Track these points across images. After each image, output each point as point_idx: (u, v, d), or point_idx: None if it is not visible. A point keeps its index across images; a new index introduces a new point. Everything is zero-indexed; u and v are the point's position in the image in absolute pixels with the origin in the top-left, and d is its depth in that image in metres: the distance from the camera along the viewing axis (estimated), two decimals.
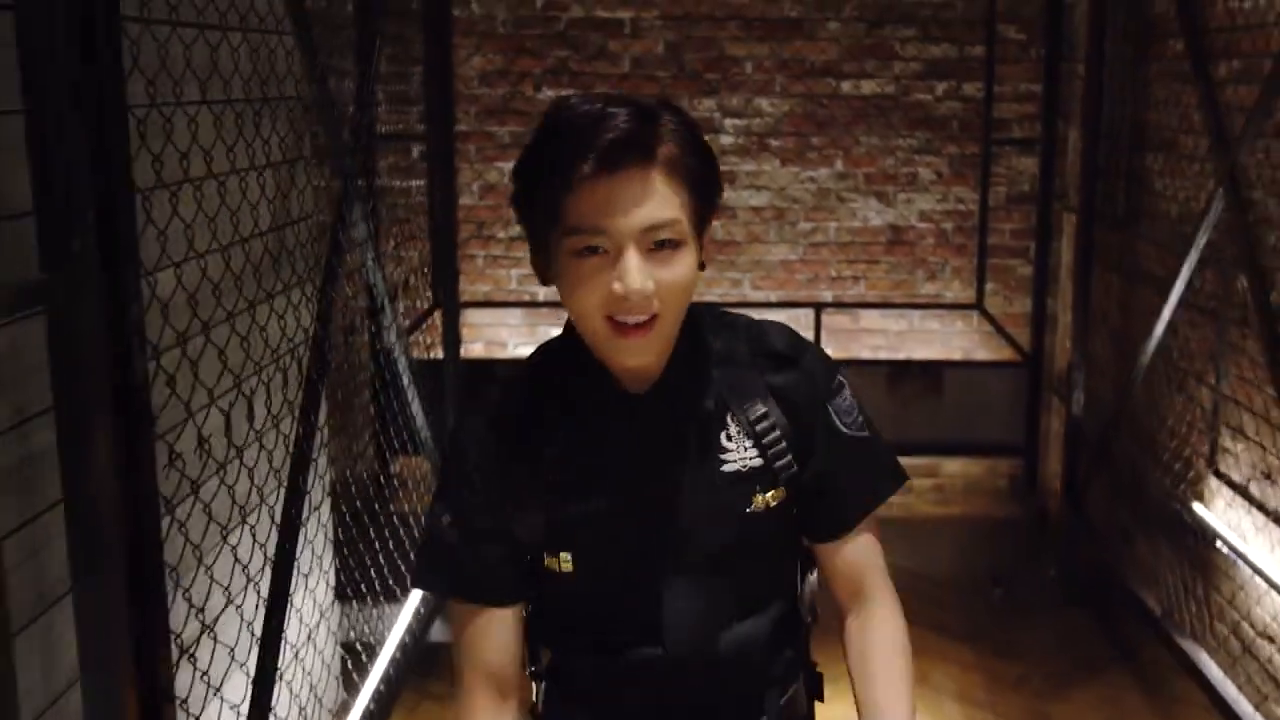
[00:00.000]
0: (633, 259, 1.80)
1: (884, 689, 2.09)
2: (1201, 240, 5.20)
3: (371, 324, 5.98)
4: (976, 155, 7.77)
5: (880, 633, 2.13)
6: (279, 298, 3.79)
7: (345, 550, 5.04)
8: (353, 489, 5.33)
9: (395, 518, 5.47)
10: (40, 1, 2.16)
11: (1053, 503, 6.91)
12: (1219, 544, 5.24)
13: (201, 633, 3.03)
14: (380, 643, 5.04)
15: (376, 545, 5.20)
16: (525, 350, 7.47)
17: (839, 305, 7.78)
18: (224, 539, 3.19)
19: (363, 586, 5.11)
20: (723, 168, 2.08)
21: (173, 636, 2.59)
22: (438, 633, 5.48)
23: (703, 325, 2.05)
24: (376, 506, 5.35)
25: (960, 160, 7.78)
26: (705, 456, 2.01)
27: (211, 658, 3.11)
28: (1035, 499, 7.39)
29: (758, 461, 2.02)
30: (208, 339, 2.97)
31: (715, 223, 2.00)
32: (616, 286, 1.80)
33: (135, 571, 2.43)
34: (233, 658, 3.24)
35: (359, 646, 4.98)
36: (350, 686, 4.74)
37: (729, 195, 7.30)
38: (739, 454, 2.02)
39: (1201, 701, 5.13)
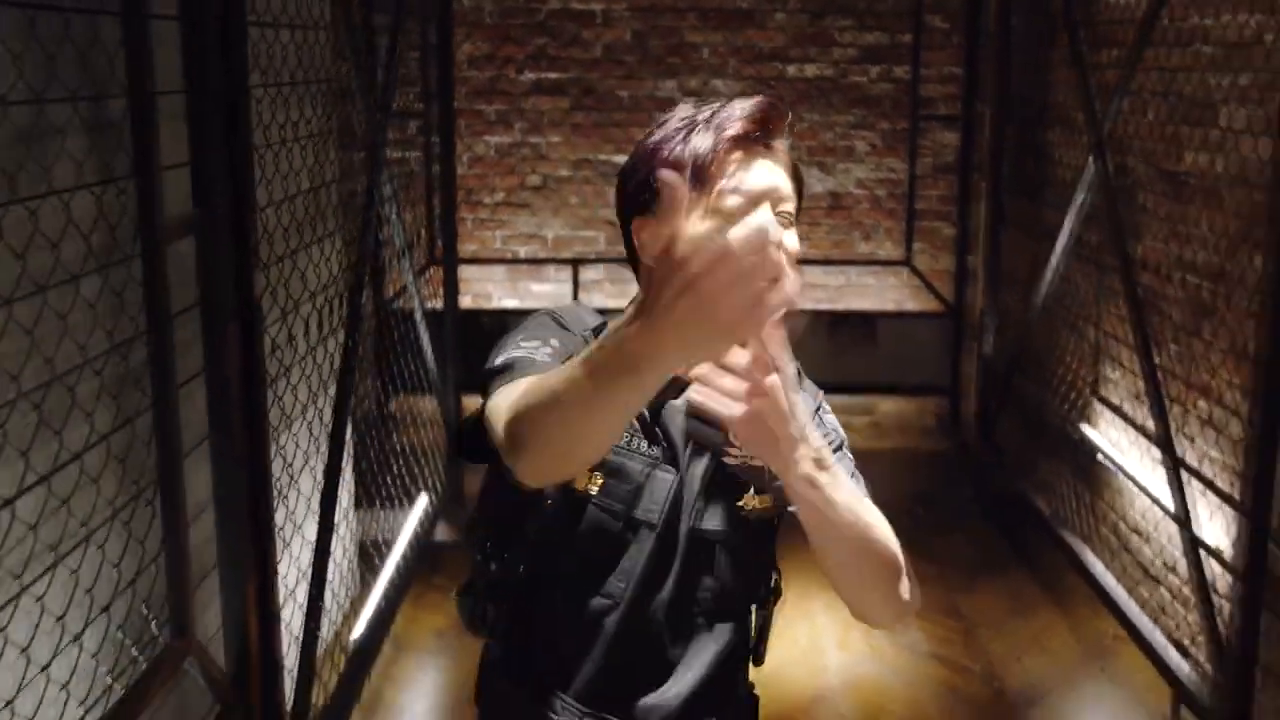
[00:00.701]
0: (770, 213, 1.93)
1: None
2: (1079, 199, 6.13)
3: (374, 281, 6.82)
4: (905, 130, 8.62)
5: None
6: (330, 239, 4.72)
7: (358, 469, 5.91)
8: (361, 421, 6.22)
9: (397, 447, 6.36)
10: (197, 17, 3.07)
11: (971, 436, 7.81)
12: (1100, 457, 6.18)
13: (290, 483, 3.96)
14: (391, 543, 5.95)
15: (383, 464, 6.10)
16: (510, 302, 8.46)
17: None
18: (303, 414, 4.12)
19: (376, 498, 6.00)
20: None
21: (272, 480, 3.50)
22: (441, 533, 6.40)
23: None
24: (376, 439, 6.22)
25: (891, 135, 8.65)
26: (719, 449, 2.08)
27: (295, 502, 4.05)
28: (958, 433, 8.28)
29: (757, 463, 2.01)
30: (294, 263, 3.90)
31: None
32: None
33: (249, 426, 3.35)
34: (309, 507, 4.17)
35: (374, 547, 5.87)
36: (366, 581, 5.64)
37: None
38: (741, 453, 2.04)
39: (1086, 591, 6.02)
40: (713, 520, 2.09)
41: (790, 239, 1.95)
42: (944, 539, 6.83)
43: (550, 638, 2.14)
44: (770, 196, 1.94)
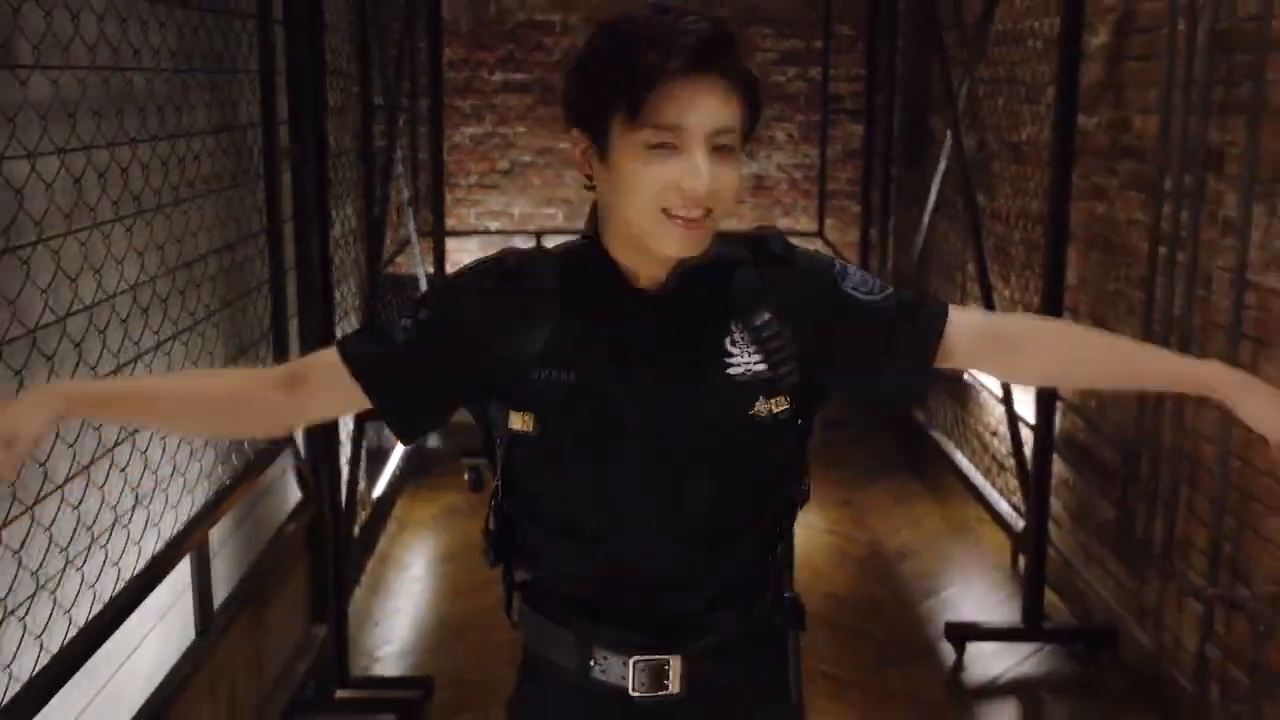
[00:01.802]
0: (705, 157, 1.85)
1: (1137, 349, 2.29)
2: (941, 166, 7.62)
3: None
4: (818, 122, 9.90)
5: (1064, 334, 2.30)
6: (349, 196, 6.18)
7: None
8: None
9: None
10: (296, 21, 4.51)
11: None
12: (965, 377, 7.63)
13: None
14: (390, 449, 7.36)
15: None
16: None
17: None
18: (352, 301, 5.60)
19: None
20: None
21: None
22: (433, 441, 7.79)
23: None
24: None
25: (806, 126, 9.96)
26: (710, 357, 2.00)
27: None
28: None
29: (762, 368, 2.00)
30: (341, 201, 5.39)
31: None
32: (689, 183, 1.84)
33: (325, 302, 4.79)
34: None
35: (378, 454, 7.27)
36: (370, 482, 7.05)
37: None
38: (744, 359, 2.00)
39: (957, 486, 7.43)
40: (709, 437, 2.01)
41: (731, 173, 1.90)
42: (849, 453, 8.14)
43: (554, 579, 2.13)
44: (705, 131, 1.86)
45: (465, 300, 2.06)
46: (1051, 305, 5.43)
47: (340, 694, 5.03)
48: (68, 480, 3.18)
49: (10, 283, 3.00)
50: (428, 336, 2.03)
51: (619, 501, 2.01)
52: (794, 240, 2.16)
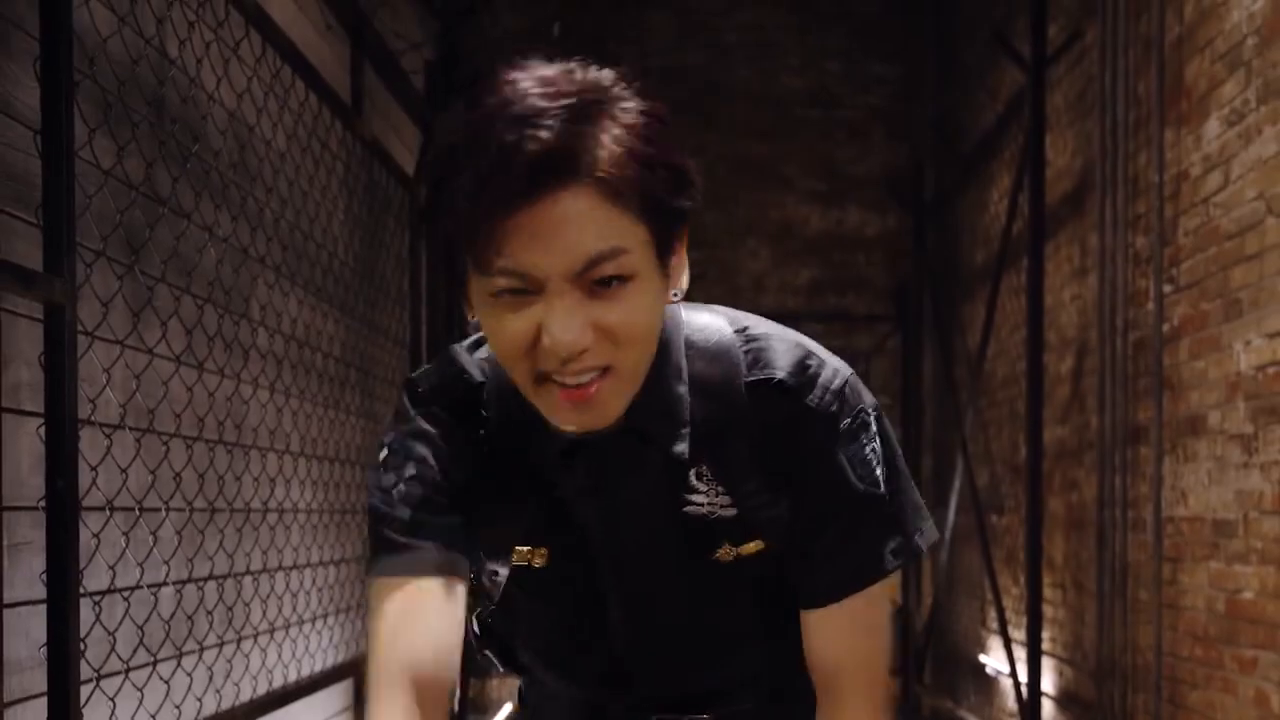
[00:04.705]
0: (562, 304, 1.35)
1: None
2: (955, 489, 8.93)
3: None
4: None
5: None
6: None
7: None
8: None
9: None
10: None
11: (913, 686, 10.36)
12: (988, 669, 8.75)
13: None
14: None
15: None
16: None
17: None
18: None
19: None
20: None
21: None
22: None
23: (681, 348, 1.58)
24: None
25: None
26: (669, 494, 1.60)
27: None
28: (909, 695, 10.75)
29: (730, 511, 1.60)
30: None
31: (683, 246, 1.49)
32: (545, 339, 1.36)
33: None
34: None
35: None
36: None
37: None
38: (709, 498, 1.60)
39: None
40: (673, 582, 1.66)
41: (623, 312, 1.38)
42: None
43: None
44: (564, 271, 1.35)
45: (442, 424, 1.64)
46: (1033, 588, 6.64)
47: None
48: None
49: (237, 468, 4.43)
50: (431, 464, 1.63)
51: (594, 647, 1.72)
52: None
